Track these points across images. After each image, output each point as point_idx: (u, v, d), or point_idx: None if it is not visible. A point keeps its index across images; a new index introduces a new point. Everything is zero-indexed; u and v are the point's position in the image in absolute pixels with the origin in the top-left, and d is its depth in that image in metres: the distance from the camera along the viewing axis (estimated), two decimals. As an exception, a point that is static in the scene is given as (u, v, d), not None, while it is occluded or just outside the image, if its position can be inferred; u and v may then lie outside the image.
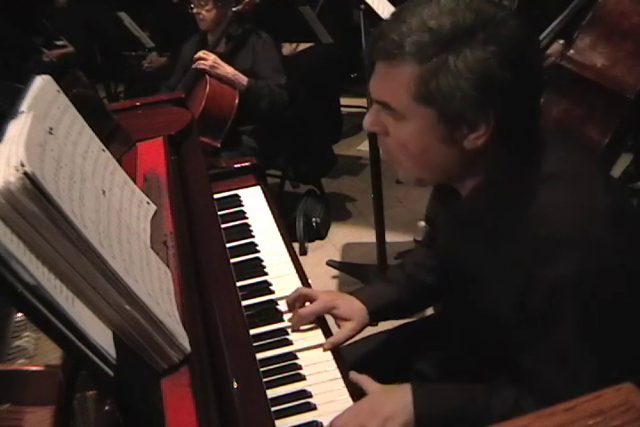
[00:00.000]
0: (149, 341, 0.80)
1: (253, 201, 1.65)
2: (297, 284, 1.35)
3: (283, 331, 1.24)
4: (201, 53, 2.80)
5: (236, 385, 0.95)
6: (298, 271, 1.39)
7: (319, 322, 1.27)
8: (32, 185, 0.68)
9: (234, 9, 2.87)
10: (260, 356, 1.15)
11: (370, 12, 2.14)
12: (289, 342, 1.21)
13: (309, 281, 1.37)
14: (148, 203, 1.13)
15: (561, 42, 2.34)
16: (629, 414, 0.51)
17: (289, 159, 3.25)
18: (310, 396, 1.11)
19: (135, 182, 1.15)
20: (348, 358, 1.24)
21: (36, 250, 0.70)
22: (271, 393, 1.08)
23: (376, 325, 1.35)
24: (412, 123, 0.96)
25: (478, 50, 0.90)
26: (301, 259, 1.47)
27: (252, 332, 1.20)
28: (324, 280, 2.80)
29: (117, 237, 0.87)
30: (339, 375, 1.15)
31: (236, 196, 1.67)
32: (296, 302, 1.28)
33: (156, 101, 1.74)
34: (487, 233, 1.05)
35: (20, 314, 0.94)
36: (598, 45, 2.00)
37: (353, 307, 1.28)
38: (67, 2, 4.60)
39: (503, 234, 1.01)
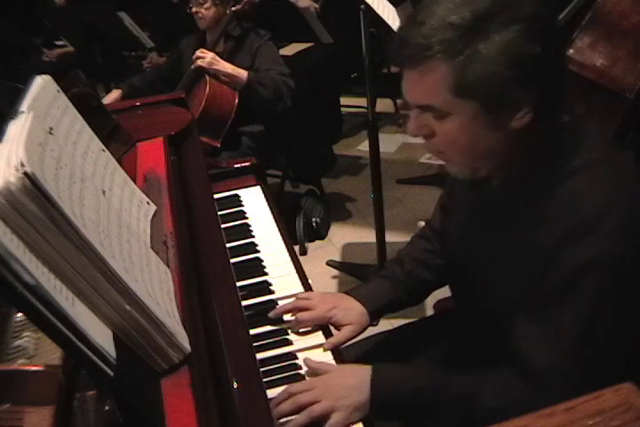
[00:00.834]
0: (149, 341, 0.80)
1: (253, 201, 1.65)
2: (297, 284, 1.35)
3: (283, 331, 1.24)
4: (198, 52, 2.79)
5: (236, 385, 0.95)
6: (298, 271, 1.39)
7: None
8: (32, 185, 0.68)
9: (233, 8, 2.87)
10: (259, 356, 1.14)
11: (370, 12, 2.14)
12: (289, 342, 1.21)
13: (309, 281, 1.37)
14: (148, 203, 1.13)
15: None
16: (629, 414, 0.51)
17: (289, 159, 3.24)
18: (310, 396, 1.11)
19: (135, 182, 1.15)
20: (347, 358, 1.24)
21: (36, 250, 0.70)
22: (271, 393, 1.08)
23: (376, 325, 1.35)
24: (456, 117, 0.98)
25: (503, 31, 0.92)
26: (301, 259, 1.47)
27: (252, 332, 1.19)
28: (324, 280, 2.79)
29: (117, 238, 0.87)
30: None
31: (236, 196, 1.67)
32: (292, 313, 1.26)
33: (156, 101, 1.74)
34: (510, 220, 1.06)
35: (19, 314, 0.94)
36: (598, 45, 2.00)
37: (352, 313, 1.27)
38: (67, 2, 4.59)
39: (529, 219, 1.01)
